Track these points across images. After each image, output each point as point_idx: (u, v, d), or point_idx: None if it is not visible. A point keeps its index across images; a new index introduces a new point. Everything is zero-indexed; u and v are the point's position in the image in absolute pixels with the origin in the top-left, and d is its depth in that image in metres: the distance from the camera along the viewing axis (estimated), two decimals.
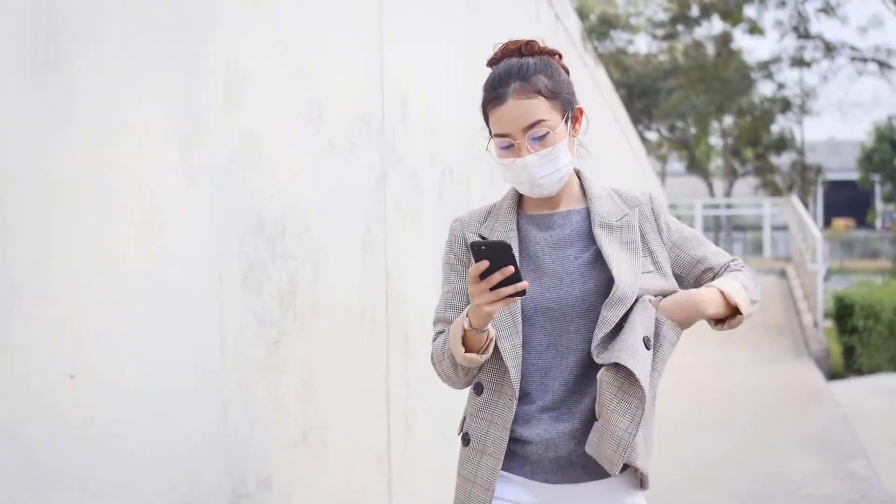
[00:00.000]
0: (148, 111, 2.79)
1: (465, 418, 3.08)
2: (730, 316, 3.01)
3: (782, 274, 26.94)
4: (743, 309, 2.98)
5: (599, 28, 46.98)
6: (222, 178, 3.15)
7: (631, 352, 2.83)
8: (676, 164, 54.68)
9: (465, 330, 2.85)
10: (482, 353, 2.89)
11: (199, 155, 3.03)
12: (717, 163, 51.74)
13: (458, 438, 3.09)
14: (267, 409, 3.46)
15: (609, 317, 2.89)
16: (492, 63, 3.06)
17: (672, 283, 3.05)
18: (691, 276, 3.14)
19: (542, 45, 3.05)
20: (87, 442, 2.54)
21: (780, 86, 46.18)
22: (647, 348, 2.88)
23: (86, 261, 2.53)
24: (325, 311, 3.90)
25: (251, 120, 3.33)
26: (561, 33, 9.80)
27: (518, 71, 2.95)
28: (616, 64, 45.67)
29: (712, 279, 3.12)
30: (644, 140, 43.63)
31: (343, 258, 4.10)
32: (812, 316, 20.64)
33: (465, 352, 2.89)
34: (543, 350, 2.96)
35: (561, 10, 9.78)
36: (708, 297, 2.97)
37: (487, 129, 3.02)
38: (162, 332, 2.86)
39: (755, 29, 44.48)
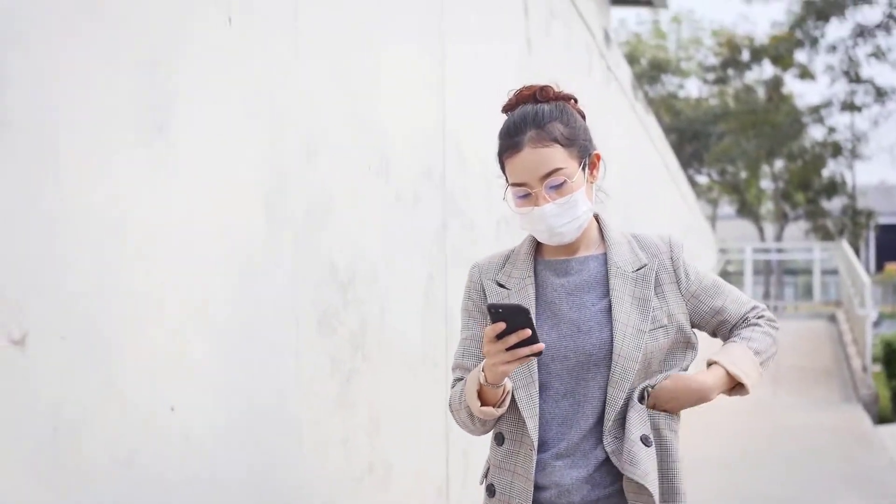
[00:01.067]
0: (237, 170, 3.08)
1: (488, 468, 3.05)
2: (735, 387, 3.00)
3: (832, 318, 26.99)
4: (747, 381, 2.96)
5: (650, 73, 47.07)
6: (300, 229, 3.43)
7: (631, 459, 2.84)
8: (727, 208, 54.43)
9: (480, 384, 2.82)
10: (498, 407, 2.86)
11: (281, 209, 3.31)
12: (767, 207, 51.54)
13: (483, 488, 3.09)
14: (338, 442, 3.73)
15: (616, 395, 2.88)
16: (507, 109, 3.02)
17: (686, 334, 3.01)
18: (709, 326, 3.10)
19: (557, 90, 3.00)
20: (186, 465, 2.81)
21: (831, 130, 45.92)
22: (647, 445, 2.86)
23: (185, 305, 2.81)
24: (391, 352, 4.17)
25: (326, 175, 3.61)
26: (613, 83, 10.08)
27: (533, 118, 2.89)
28: (667, 108, 45.72)
29: (729, 332, 3.10)
30: (694, 184, 43.62)
31: (406, 304, 4.37)
32: (861, 360, 20.67)
33: (481, 405, 2.86)
34: (561, 398, 2.93)
35: (613, 61, 10.05)
36: (712, 381, 2.95)
37: (504, 178, 2.99)
38: (248, 371, 3.13)
39: (806, 73, 44.32)
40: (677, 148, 39.81)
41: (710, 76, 48.10)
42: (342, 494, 3.75)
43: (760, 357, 3.05)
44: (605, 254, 3.02)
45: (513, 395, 2.90)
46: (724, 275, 39.10)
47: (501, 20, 5.99)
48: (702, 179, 49.51)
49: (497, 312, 2.64)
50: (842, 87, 44.42)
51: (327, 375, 3.63)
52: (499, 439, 3.00)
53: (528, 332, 2.64)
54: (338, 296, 3.70)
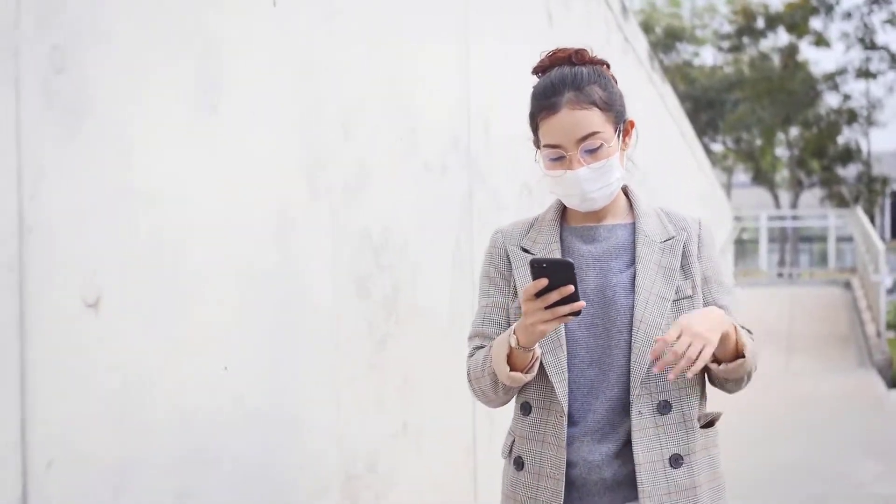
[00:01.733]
0: (281, 145, 3.26)
1: (513, 441, 2.99)
2: (729, 360, 2.80)
3: (847, 285, 27.12)
4: (747, 353, 2.79)
5: (665, 41, 47.14)
6: (338, 200, 3.61)
7: (651, 475, 2.79)
8: (742, 176, 54.45)
9: (511, 348, 2.72)
10: (527, 372, 2.77)
11: (321, 180, 3.49)
12: (783, 174, 51.60)
13: (506, 461, 3.04)
14: (373, 402, 3.92)
15: (639, 362, 2.79)
16: (539, 70, 2.97)
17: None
18: None
19: (591, 54, 2.95)
20: (238, 421, 3.00)
21: (846, 97, 45.91)
22: (675, 467, 2.81)
23: (236, 272, 3.00)
24: (421, 316, 4.36)
25: (362, 148, 3.79)
26: (630, 54, 10.22)
27: (572, 80, 2.83)
28: (682, 76, 45.78)
29: None
30: (710, 152, 43.63)
31: (435, 269, 4.55)
32: (875, 326, 20.84)
33: (511, 370, 2.76)
34: (587, 367, 2.83)
35: (630, 32, 10.20)
36: (725, 316, 2.73)
37: (534, 140, 2.91)
38: (292, 334, 3.32)
39: (821, 41, 44.34)
40: (692, 116, 39.78)
41: (725, 44, 48.23)
42: (378, 452, 3.94)
43: (750, 353, 2.84)
44: (634, 223, 2.94)
45: (540, 364, 2.82)
46: (739, 242, 39.22)
47: None
48: (717, 147, 49.61)
49: (540, 268, 2.57)
50: (857, 55, 44.55)
51: (363, 338, 3.82)
52: (525, 408, 2.92)
53: (572, 288, 2.56)
54: (372, 262, 3.88)
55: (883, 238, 40.90)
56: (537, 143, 2.91)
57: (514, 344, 2.72)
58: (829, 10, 41.95)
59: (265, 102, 3.17)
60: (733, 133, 47.48)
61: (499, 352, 2.78)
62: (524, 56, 5.96)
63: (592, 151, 2.79)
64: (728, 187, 48.61)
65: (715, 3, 49.49)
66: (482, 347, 2.98)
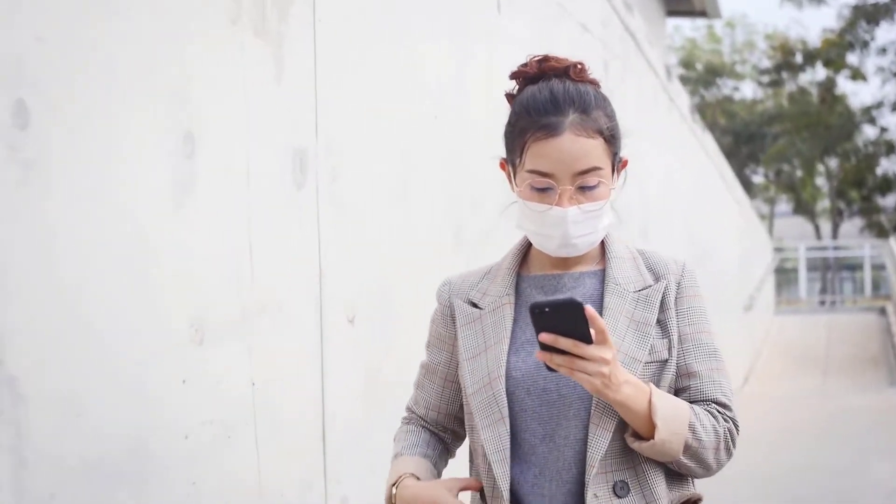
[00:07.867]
0: (436, 217, 4.72)
1: None
2: (646, 437, 2.28)
3: (882, 311, 28.27)
4: (658, 432, 2.23)
5: (706, 76, 47.69)
6: (471, 250, 5.00)
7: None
8: (784, 206, 54.64)
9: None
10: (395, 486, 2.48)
11: (460, 237, 4.94)
12: (823, 204, 52.38)
13: None
14: None
15: (599, 435, 2.30)
16: (520, 77, 2.46)
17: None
18: (670, 381, 2.39)
19: (589, 71, 2.43)
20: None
21: (884, 129, 46.29)
22: (619, 496, 2.29)
23: (417, 298, 4.43)
24: None
25: (483, 216, 5.26)
26: (674, 111, 11.67)
27: (579, 100, 2.32)
28: (723, 111, 46.39)
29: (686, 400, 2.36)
30: (751, 183, 44.38)
31: None
32: None
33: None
34: (538, 443, 2.34)
35: (673, 91, 11.62)
36: (634, 389, 2.24)
37: (511, 159, 2.43)
38: None
39: (857, 75, 44.34)
40: (733, 149, 40.67)
41: (765, 79, 48.20)
42: None
43: (694, 437, 2.30)
44: (604, 269, 2.45)
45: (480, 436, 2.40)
46: (783, 271, 39.89)
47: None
48: (758, 179, 50.04)
49: (542, 313, 2.13)
50: (892, 88, 44.70)
51: None
52: (480, 495, 2.46)
53: (594, 332, 2.15)
54: None
55: None
56: (514, 164, 2.44)
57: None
58: (865, 45, 42.19)
59: (434, 190, 4.67)
60: (773, 165, 47.68)
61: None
62: None
63: (587, 189, 2.33)
64: (770, 217, 49.31)
65: (754, 39, 50.30)
66: (409, 419, 2.78)
